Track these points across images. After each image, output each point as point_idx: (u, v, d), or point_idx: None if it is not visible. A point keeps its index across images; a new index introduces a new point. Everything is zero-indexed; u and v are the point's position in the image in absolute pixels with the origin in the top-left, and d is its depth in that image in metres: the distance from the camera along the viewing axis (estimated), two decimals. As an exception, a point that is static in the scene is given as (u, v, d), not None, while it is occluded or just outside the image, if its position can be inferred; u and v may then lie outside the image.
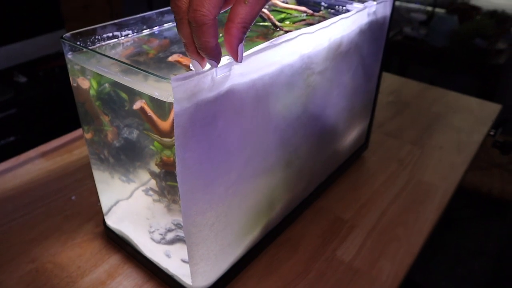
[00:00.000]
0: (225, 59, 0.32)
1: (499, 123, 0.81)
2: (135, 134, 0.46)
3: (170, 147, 0.42)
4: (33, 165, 0.64)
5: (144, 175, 0.49)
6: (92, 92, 0.45)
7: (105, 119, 0.46)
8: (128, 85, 0.35)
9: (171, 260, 0.44)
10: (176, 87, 0.28)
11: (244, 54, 0.33)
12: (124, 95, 0.43)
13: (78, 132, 0.72)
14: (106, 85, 0.43)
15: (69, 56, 0.40)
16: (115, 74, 0.36)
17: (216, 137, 0.33)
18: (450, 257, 1.31)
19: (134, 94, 0.38)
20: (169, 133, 0.38)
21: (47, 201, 0.57)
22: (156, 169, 0.45)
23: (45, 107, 1.18)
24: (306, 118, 0.44)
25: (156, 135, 0.41)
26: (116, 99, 0.43)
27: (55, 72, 1.19)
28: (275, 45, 0.36)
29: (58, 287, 0.45)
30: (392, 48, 1.64)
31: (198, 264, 0.39)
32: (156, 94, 0.32)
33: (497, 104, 0.84)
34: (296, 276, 0.46)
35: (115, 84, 0.39)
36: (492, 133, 0.80)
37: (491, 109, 0.82)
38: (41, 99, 1.16)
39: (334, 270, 0.47)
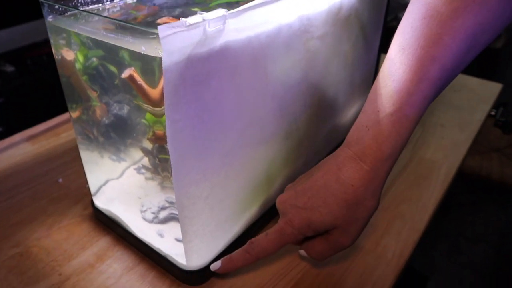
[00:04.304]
0: (219, 12, 0.29)
1: (500, 103, 0.80)
2: (125, 109, 0.43)
3: (162, 116, 0.39)
4: (18, 149, 0.61)
5: (136, 154, 0.47)
6: (78, 65, 0.42)
7: (93, 94, 0.43)
8: (113, 43, 0.33)
9: (164, 239, 0.41)
10: (164, 37, 0.26)
11: (240, 8, 0.31)
12: (113, 68, 0.40)
13: (65, 116, 0.69)
14: (94, 59, 0.41)
15: (49, 19, 0.37)
16: (98, 32, 0.33)
17: (210, 99, 0.31)
18: (450, 244, 1.30)
19: (119, 55, 0.35)
20: (161, 101, 0.35)
21: (33, 185, 0.54)
22: (149, 146, 0.43)
23: (33, 96, 1.14)
24: (305, 86, 0.42)
25: (147, 105, 0.39)
26: (105, 73, 0.41)
27: (43, 60, 1.16)
28: (272, 1, 0.33)
29: (44, 272, 0.42)
30: (389, 34, 1.62)
31: (192, 241, 0.36)
32: (143, 49, 0.30)
33: (498, 83, 0.82)
34: (297, 255, 0.44)
35: (99, 44, 0.36)
36: (493, 113, 0.78)
37: (491, 88, 0.80)
38: (29, 87, 1.12)
39: (337, 248, 0.44)
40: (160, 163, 0.43)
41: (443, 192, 0.53)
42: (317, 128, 0.47)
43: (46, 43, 1.25)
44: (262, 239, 0.37)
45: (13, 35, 1.12)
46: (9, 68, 1.14)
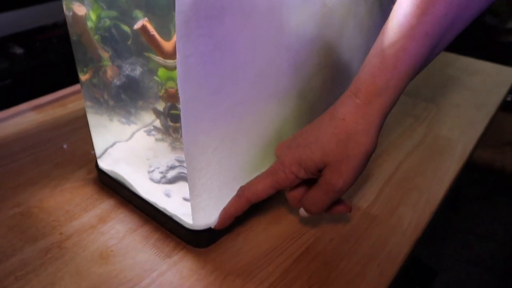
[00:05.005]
0: None
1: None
2: (137, 70, 0.42)
3: (174, 70, 0.38)
4: (23, 118, 0.60)
5: (147, 116, 0.46)
6: (90, 24, 0.41)
7: (105, 54, 0.42)
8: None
9: (171, 199, 0.40)
10: (177, -42, 0.24)
11: None
12: (126, 28, 0.39)
13: (72, 88, 0.67)
14: (107, 20, 0.40)
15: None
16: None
17: (223, 36, 0.29)
18: (458, 240, 1.27)
19: (132, 15, 0.34)
20: (173, 54, 0.34)
21: (36, 150, 0.52)
22: (161, 107, 0.42)
23: (42, 79, 1.13)
24: (321, 44, 0.40)
25: (158, 57, 0.37)
26: (117, 34, 0.40)
27: (52, 43, 1.15)
28: None
29: (44, 231, 0.40)
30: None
31: (200, 196, 0.35)
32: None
33: (514, 69, 0.80)
34: (308, 220, 0.42)
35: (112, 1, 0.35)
36: (509, 98, 0.76)
37: (507, 73, 0.77)
38: (37, 70, 1.12)
39: (350, 216, 0.42)
40: (172, 124, 0.42)
41: (460, 168, 0.51)
42: (331, 93, 0.46)
43: (56, 26, 1.23)
44: (253, 181, 0.36)
45: (23, 17, 1.12)
46: (18, 50, 1.14)
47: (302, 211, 0.38)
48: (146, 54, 0.38)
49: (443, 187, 0.47)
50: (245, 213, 0.37)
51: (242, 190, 0.36)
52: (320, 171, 0.34)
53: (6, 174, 0.48)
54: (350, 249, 0.39)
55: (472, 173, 1.32)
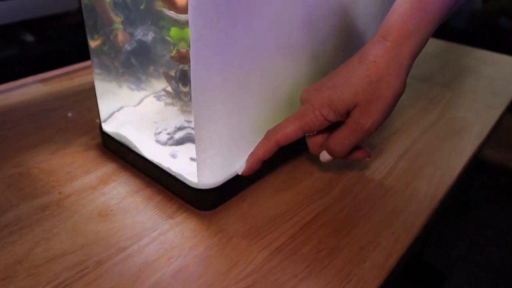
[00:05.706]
0: None
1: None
2: (149, 36, 0.41)
3: (186, 27, 0.37)
4: (29, 89, 0.59)
5: (157, 84, 0.44)
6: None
7: (117, 19, 0.41)
8: None
9: (177, 160, 0.38)
10: None
11: None
12: None
13: (80, 65, 0.67)
14: None
15: None
16: None
17: (236, -28, 0.28)
18: (468, 244, 1.23)
19: None
20: (186, 8, 0.33)
21: (40, 117, 0.51)
22: (172, 72, 0.40)
23: (52, 67, 1.13)
24: (336, 4, 0.39)
25: (170, 11, 0.36)
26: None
27: (64, 31, 1.15)
28: None
29: (43, 190, 0.39)
30: None
31: (207, 151, 0.33)
32: None
33: (532, 62, 0.77)
34: (318, 190, 0.40)
35: None
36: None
37: (525, 66, 0.75)
38: (48, 58, 1.11)
39: (363, 186, 0.40)
40: (183, 89, 0.40)
41: (477, 146, 0.49)
42: (345, 60, 0.44)
43: (68, 14, 1.22)
44: (281, 124, 0.35)
45: (36, 3, 1.12)
46: (29, 38, 1.14)
47: (323, 155, 0.37)
48: (158, 8, 0.37)
49: (460, 164, 0.45)
50: (272, 159, 0.36)
51: (270, 132, 0.35)
52: (348, 113, 0.33)
53: (7, 137, 0.47)
54: (362, 217, 0.37)
55: (482, 176, 1.29)
